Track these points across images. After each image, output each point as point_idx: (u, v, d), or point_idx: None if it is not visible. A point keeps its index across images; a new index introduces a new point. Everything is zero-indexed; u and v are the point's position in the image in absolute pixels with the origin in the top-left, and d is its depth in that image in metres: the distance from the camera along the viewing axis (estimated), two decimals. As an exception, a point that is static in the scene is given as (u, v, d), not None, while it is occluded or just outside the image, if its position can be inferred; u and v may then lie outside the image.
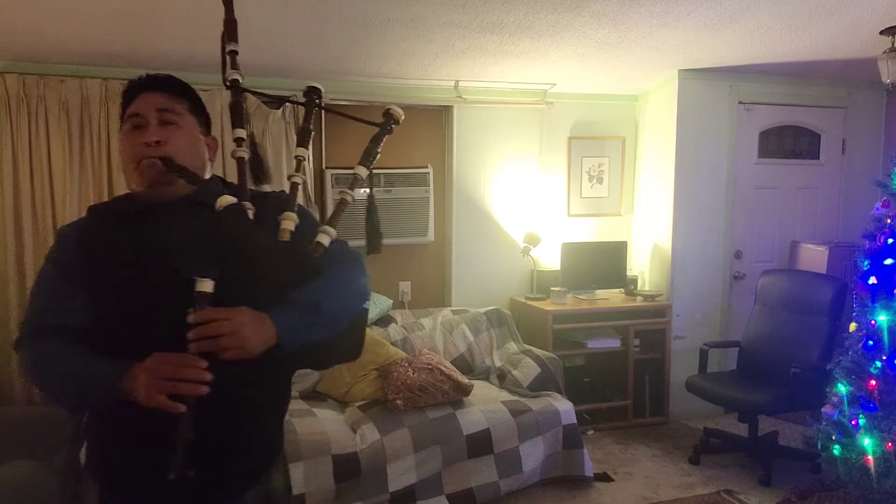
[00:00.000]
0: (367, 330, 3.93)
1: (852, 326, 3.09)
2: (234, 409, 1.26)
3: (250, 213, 1.30)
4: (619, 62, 3.86)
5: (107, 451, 1.33)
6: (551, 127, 4.43)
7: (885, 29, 3.38)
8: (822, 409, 3.09)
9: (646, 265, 4.56)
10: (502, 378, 3.71)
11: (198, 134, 1.39)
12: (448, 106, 4.20)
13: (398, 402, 3.17)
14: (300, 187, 1.44)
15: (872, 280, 3.01)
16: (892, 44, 3.44)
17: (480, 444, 3.18)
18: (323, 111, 1.92)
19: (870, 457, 2.82)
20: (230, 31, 1.42)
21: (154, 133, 1.29)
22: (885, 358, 2.90)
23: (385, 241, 4.51)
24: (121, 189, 1.81)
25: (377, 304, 3.89)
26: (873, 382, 2.91)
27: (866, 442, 2.84)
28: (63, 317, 1.26)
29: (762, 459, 3.58)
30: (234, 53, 1.41)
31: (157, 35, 2.98)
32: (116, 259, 1.28)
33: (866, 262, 3.06)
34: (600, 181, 4.60)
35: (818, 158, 4.64)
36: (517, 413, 3.31)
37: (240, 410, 1.29)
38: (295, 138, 3.76)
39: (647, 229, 4.56)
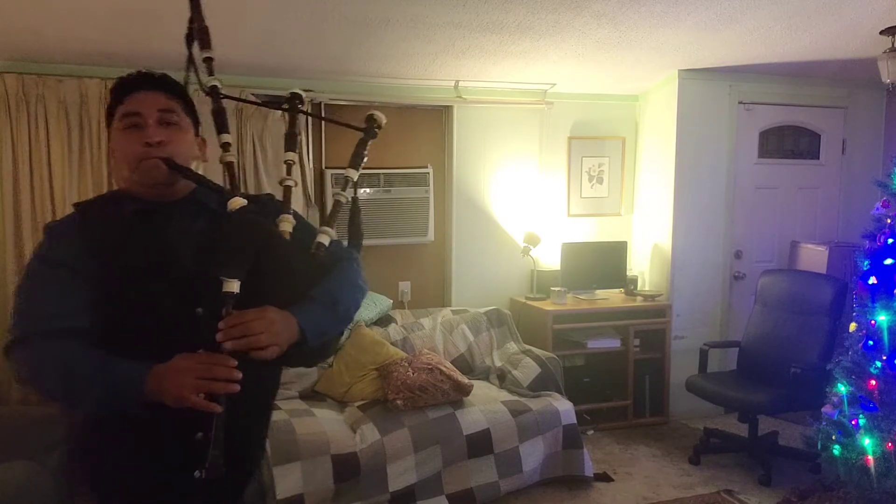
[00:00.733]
0: (368, 330, 3.95)
1: (852, 326, 3.09)
2: (240, 405, 1.27)
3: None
4: (619, 62, 3.86)
5: (112, 457, 1.28)
6: (551, 127, 4.43)
7: (885, 29, 3.38)
8: (822, 409, 3.08)
9: (646, 265, 4.56)
10: (502, 378, 3.71)
11: (193, 134, 1.39)
12: (448, 106, 4.19)
13: (398, 402, 3.16)
14: (297, 189, 1.45)
15: (872, 280, 3.01)
16: (892, 44, 3.44)
17: (480, 444, 3.18)
18: (311, 114, 1.92)
19: (870, 457, 2.82)
20: (203, 37, 1.41)
21: (157, 133, 1.29)
22: (885, 358, 2.90)
23: (385, 241, 4.54)
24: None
25: (377, 304, 3.89)
26: (873, 382, 2.91)
27: (866, 442, 2.84)
28: (70, 319, 1.22)
29: (762, 459, 3.57)
30: (209, 60, 1.40)
31: (156, 35, 2.98)
32: (125, 260, 1.27)
33: (866, 262, 3.06)
34: (600, 181, 4.60)
35: (818, 158, 4.64)
36: (517, 413, 3.31)
37: (245, 407, 1.30)
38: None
39: (647, 229, 4.56)
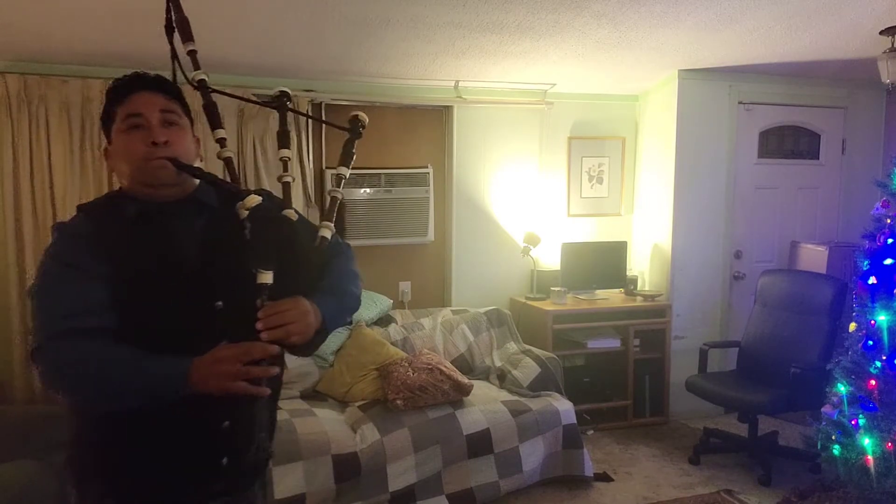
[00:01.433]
0: (368, 330, 3.95)
1: (852, 326, 3.09)
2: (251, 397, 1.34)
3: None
4: (619, 62, 3.87)
5: (134, 452, 1.29)
6: (551, 127, 4.43)
7: (885, 29, 3.38)
8: (822, 409, 3.09)
9: (646, 265, 4.57)
10: (502, 378, 3.71)
11: (192, 134, 1.41)
12: (448, 106, 4.20)
13: (398, 402, 3.17)
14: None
15: (872, 280, 3.01)
16: (892, 44, 3.44)
17: (480, 443, 3.18)
18: (300, 112, 1.94)
19: (869, 457, 2.83)
20: (183, 29, 1.41)
21: (161, 133, 1.31)
22: (884, 358, 2.90)
23: (385, 241, 4.55)
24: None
25: (377, 304, 3.89)
26: (873, 382, 2.91)
27: (866, 442, 2.85)
28: (98, 317, 1.23)
29: (762, 459, 3.58)
30: (193, 53, 1.41)
31: (158, 35, 2.98)
32: (137, 261, 1.29)
33: (866, 262, 3.06)
34: (600, 181, 4.60)
35: (818, 158, 4.65)
36: (517, 413, 3.32)
37: (254, 398, 1.35)
38: (295, 137, 3.76)
39: (646, 229, 4.57)
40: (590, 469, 3.43)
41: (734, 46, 3.69)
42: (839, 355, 3.12)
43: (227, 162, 1.39)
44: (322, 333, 1.32)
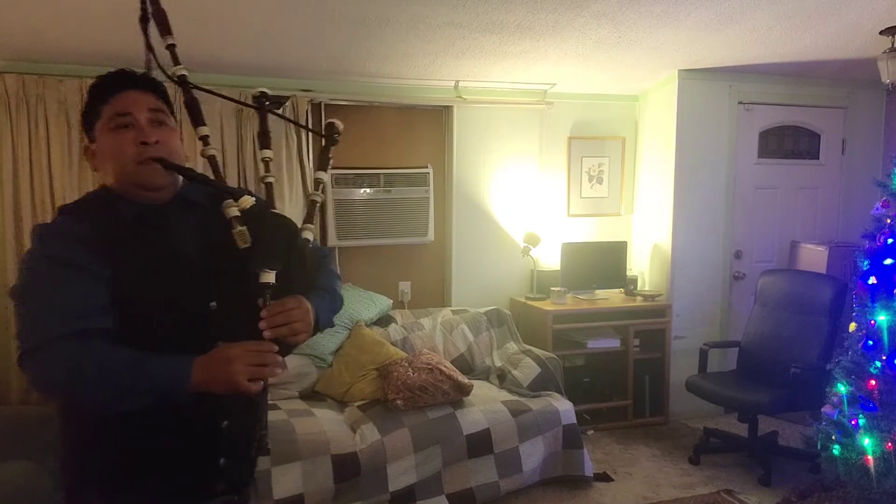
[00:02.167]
0: (368, 330, 3.95)
1: (852, 326, 3.09)
2: (254, 396, 1.35)
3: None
4: (619, 62, 3.86)
5: (132, 453, 1.28)
6: (551, 127, 4.43)
7: (885, 29, 3.38)
8: (822, 409, 3.08)
9: (646, 265, 4.56)
10: (502, 378, 3.71)
11: (178, 134, 1.40)
12: (448, 106, 4.19)
13: (398, 401, 3.17)
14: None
15: (872, 280, 3.01)
16: (892, 44, 3.44)
17: (480, 443, 3.18)
18: (278, 114, 1.95)
19: (869, 457, 2.82)
20: (161, 22, 1.40)
21: (152, 133, 1.29)
22: (884, 358, 2.90)
23: (385, 241, 4.55)
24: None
25: (377, 304, 3.89)
26: (873, 382, 2.91)
27: (866, 442, 2.84)
28: (94, 319, 1.21)
29: (762, 459, 3.58)
30: (172, 47, 1.40)
31: (156, 35, 2.98)
32: (136, 262, 1.27)
33: (866, 262, 3.06)
34: (600, 181, 4.60)
35: (818, 158, 4.65)
36: (517, 413, 3.31)
37: (257, 397, 1.37)
38: (296, 138, 3.76)
39: (646, 229, 4.56)
40: (590, 469, 3.43)
41: (734, 46, 3.69)
42: (839, 355, 3.11)
43: (211, 160, 1.38)
44: (314, 334, 1.34)
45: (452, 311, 4.09)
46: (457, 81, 4.08)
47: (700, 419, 4.26)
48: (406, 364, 3.36)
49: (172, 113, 1.39)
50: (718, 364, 4.29)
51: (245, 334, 1.23)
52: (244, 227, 1.29)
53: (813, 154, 4.64)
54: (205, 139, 1.37)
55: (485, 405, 3.32)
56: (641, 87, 4.49)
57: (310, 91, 3.84)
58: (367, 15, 3.00)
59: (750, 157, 4.46)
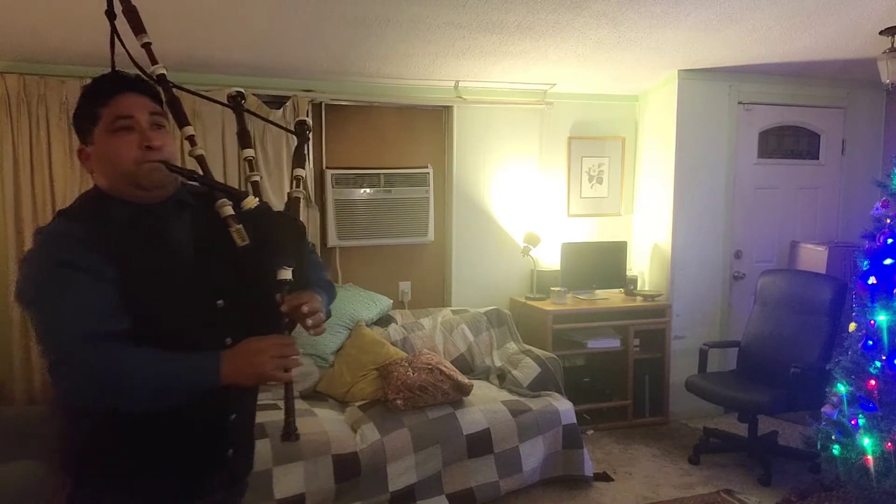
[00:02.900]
0: (368, 330, 3.96)
1: (852, 326, 3.09)
2: (254, 389, 1.47)
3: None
4: (619, 62, 3.87)
5: (141, 448, 1.30)
6: (551, 127, 4.44)
7: (885, 29, 3.38)
8: (822, 409, 3.09)
9: (645, 265, 4.57)
10: (502, 378, 3.72)
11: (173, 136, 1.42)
12: (448, 106, 4.20)
13: (398, 401, 3.17)
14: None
15: (872, 280, 3.01)
16: (892, 44, 3.44)
17: (480, 443, 3.18)
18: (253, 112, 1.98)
19: (869, 456, 2.83)
20: (132, 20, 1.40)
21: (155, 137, 1.31)
22: (884, 358, 2.90)
23: (385, 241, 4.56)
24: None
25: (377, 304, 3.90)
26: (873, 382, 2.91)
27: (866, 442, 2.85)
28: (117, 322, 1.22)
29: (762, 459, 3.58)
30: (147, 45, 1.40)
31: (156, 36, 2.98)
32: (144, 261, 1.29)
33: (866, 262, 3.06)
34: (600, 181, 4.60)
35: (818, 158, 4.65)
36: (517, 413, 3.32)
37: (257, 390, 1.48)
38: (296, 139, 3.76)
39: (646, 229, 4.57)
40: (590, 469, 3.43)
41: (734, 46, 3.69)
42: (839, 355, 3.11)
43: (200, 160, 1.41)
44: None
45: (452, 311, 4.10)
46: (457, 81, 4.08)
47: (700, 419, 4.27)
48: (406, 364, 3.36)
49: (166, 115, 1.40)
50: (718, 364, 4.30)
51: (254, 329, 1.28)
52: (241, 226, 1.32)
53: (813, 154, 4.64)
54: (191, 139, 1.39)
55: (485, 405, 3.33)
56: (641, 88, 4.49)
57: (310, 91, 3.84)
58: (367, 15, 3.00)
59: (750, 157, 4.46)
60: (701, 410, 4.28)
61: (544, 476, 3.37)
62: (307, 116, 3.74)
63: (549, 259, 4.45)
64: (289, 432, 1.33)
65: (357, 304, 3.80)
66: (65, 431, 1.34)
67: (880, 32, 3.42)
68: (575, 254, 4.32)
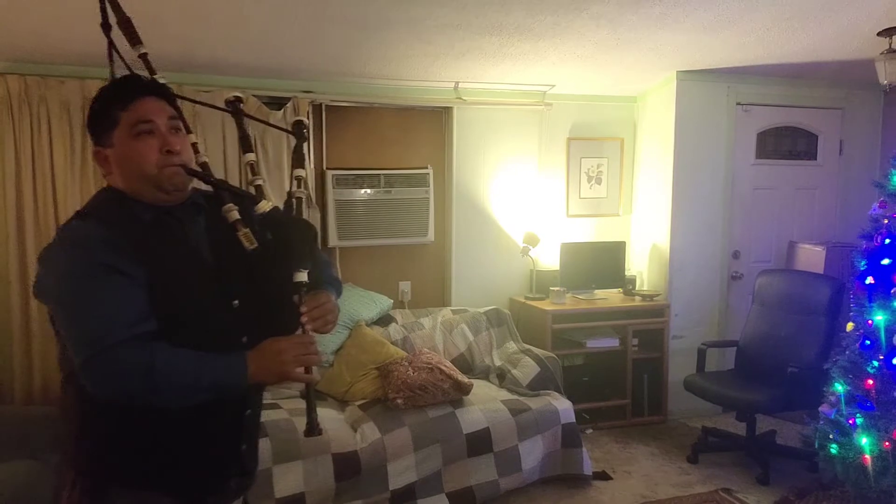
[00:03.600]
0: (368, 329, 3.97)
1: (849, 326, 3.11)
2: (262, 387, 1.53)
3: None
4: (618, 64, 3.88)
5: (164, 445, 1.32)
6: (550, 128, 4.45)
7: (883, 30, 3.40)
8: (820, 409, 3.10)
9: (644, 265, 4.58)
10: (502, 377, 3.73)
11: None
12: (448, 107, 4.21)
13: (398, 401, 3.18)
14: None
15: (869, 280, 3.03)
16: (890, 45, 3.45)
17: (480, 442, 3.19)
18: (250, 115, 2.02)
19: (867, 455, 2.84)
20: (128, 31, 1.41)
21: (175, 141, 1.34)
22: (882, 357, 2.92)
23: (385, 241, 4.57)
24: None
25: (377, 304, 3.91)
26: (870, 382, 2.93)
27: (863, 441, 2.86)
28: (147, 322, 1.24)
29: (760, 458, 3.59)
30: (144, 56, 1.42)
31: (157, 38, 2.99)
32: (167, 262, 1.32)
33: (863, 262, 3.08)
34: (599, 182, 4.62)
35: (816, 159, 4.66)
36: (517, 412, 3.33)
37: (263, 387, 1.54)
38: (295, 140, 3.77)
39: (645, 229, 4.58)
40: (589, 468, 3.45)
41: (732, 48, 3.71)
42: (837, 355, 3.13)
43: (205, 167, 1.44)
44: None
45: (452, 310, 4.11)
46: (456, 83, 4.10)
47: (698, 418, 4.28)
48: (406, 363, 3.38)
49: (182, 119, 1.42)
50: (716, 363, 4.31)
51: (268, 328, 1.33)
52: (248, 230, 1.37)
53: (811, 155, 4.66)
54: (194, 147, 1.42)
55: (484, 404, 3.34)
56: (640, 89, 4.50)
57: (310, 92, 3.86)
58: (367, 16, 3.01)
59: (748, 158, 4.48)
60: (699, 410, 4.30)
61: (543, 475, 3.38)
62: (307, 117, 3.76)
63: (548, 259, 4.46)
64: (311, 428, 1.37)
65: (357, 303, 3.81)
66: (79, 430, 1.34)
67: (878, 33, 3.43)
68: (574, 254, 4.34)
